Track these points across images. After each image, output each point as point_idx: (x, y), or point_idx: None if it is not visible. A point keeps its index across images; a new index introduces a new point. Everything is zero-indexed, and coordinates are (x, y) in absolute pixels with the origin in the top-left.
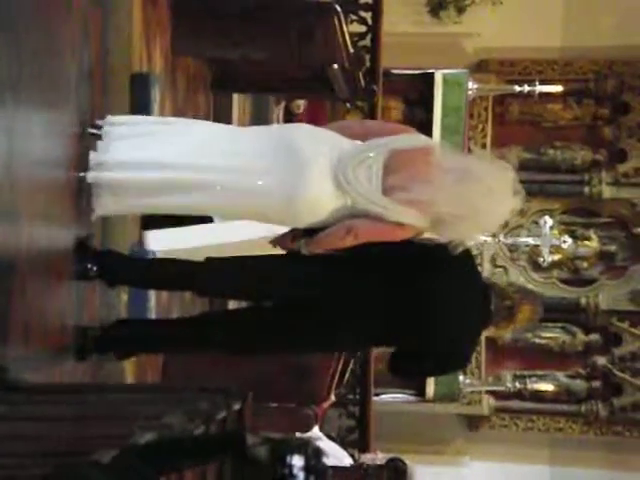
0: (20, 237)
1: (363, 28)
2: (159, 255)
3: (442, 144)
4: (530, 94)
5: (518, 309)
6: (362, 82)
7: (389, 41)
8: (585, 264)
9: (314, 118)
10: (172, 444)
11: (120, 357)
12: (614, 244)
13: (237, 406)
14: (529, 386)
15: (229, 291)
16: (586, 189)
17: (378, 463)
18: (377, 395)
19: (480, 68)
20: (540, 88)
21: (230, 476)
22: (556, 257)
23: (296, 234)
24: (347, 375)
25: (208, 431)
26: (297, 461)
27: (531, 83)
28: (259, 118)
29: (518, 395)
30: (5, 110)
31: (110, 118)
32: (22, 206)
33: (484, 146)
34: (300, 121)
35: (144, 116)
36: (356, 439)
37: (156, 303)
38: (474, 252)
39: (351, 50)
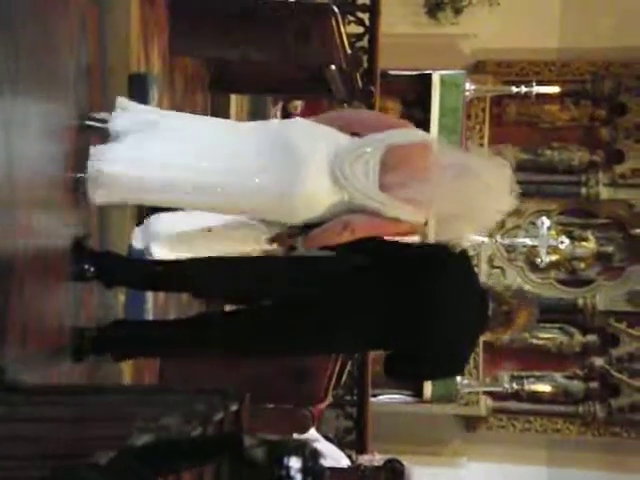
0: (17, 237)
1: (361, 29)
2: (156, 255)
3: (439, 139)
4: (527, 95)
5: (515, 314)
6: (359, 83)
7: (386, 42)
8: (582, 265)
9: None
10: (169, 446)
11: (117, 359)
12: (611, 245)
13: (234, 407)
14: (526, 387)
15: (227, 292)
16: (583, 190)
17: (375, 464)
18: (374, 396)
19: (477, 69)
20: (537, 89)
21: (227, 478)
22: (553, 258)
23: (292, 231)
24: (344, 376)
25: (205, 433)
26: (294, 463)
27: (528, 84)
28: (257, 119)
29: (515, 396)
30: (3, 108)
31: (119, 101)
32: (19, 205)
33: (481, 147)
34: None
35: (149, 107)
36: (353, 440)
37: (153, 304)
38: (471, 253)
39: (348, 51)
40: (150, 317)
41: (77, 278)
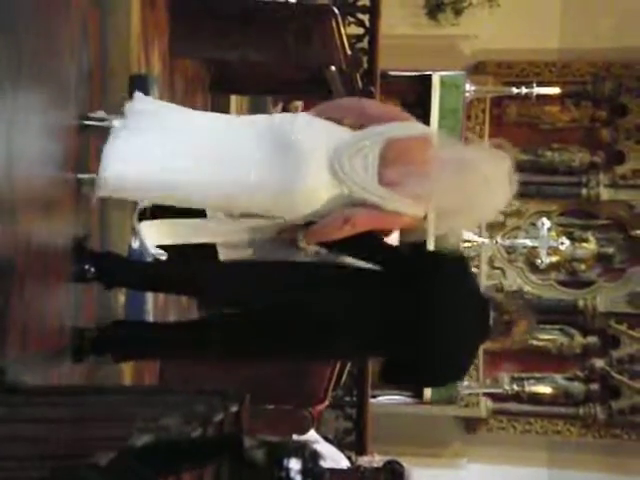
0: (18, 237)
1: (361, 30)
2: (153, 251)
3: (439, 133)
4: (528, 96)
5: (514, 324)
6: (360, 84)
7: (387, 43)
8: (583, 266)
9: None
10: (169, 446)
11: (117, 359)
12: (612, 246)
13: (234, 408)
14: (527, 388)
15: (228, 296)
16: (584, 191)
17: (375, 466)
18: (374, 397)
19: (477, 70)
20: (537, 90)
21: (227, 479)
22: (554, 259)
23: (293, 227)
24: (344, 377)
25: (205, 433)
26: (294, 464)
27: (529, 85)
28: None
29: (516, 397)
30: (4, 108)
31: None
32: (20, 205)
33: (481, 139)
34: None
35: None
36: (353, 441)
37: (153, 305)
38: (472, 253)
39: (349, 52)
40: (150, 318)
41: (78, 279)
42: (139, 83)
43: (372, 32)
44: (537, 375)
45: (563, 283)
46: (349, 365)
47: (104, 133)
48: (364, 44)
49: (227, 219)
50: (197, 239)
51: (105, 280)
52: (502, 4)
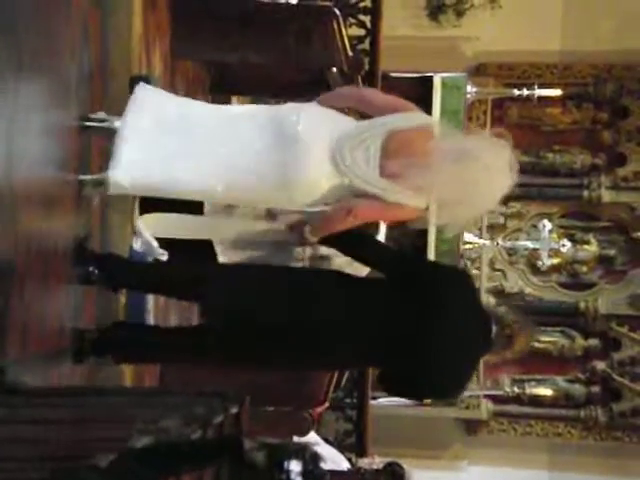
0: (18, 238)
1: (362, 31)
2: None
3: (441, 123)
4: (529, 98)
5: (514, 338)
6: (361, 85)
7: (388, 44)
8: (584, 268)
9: None
10: (169, 448)
11: (117, 361)
12: (613, 248)
13: (234, 410)
14: (528, 391)
15: (229, 304)
16: (585, 193)
17: (375, 467)
18: (374, 399)
19: (479, 72)
20: (539, 92)
21: None
22: (555, 261)
23: (299, 222)
24: (344, 379)
25: (205, 435)
26: (295, 466)
27: (530, 87)
28: None
29: (517, 400)
30: (5, 109)
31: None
32: (20, 206)
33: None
34: None
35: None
36: (353, 443)
37: (154, 306)
38: (473, 255)
39: (350, 53)
40: (151, 319)
41: (82, 281)
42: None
43: (373, 33)
44: (538, 377)
45: (564, 285)
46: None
47: (105, 134)
48: (365, 45)
49: (224, 217)
50: (194, 235)
51: (109, 282)
52: (503, 6)
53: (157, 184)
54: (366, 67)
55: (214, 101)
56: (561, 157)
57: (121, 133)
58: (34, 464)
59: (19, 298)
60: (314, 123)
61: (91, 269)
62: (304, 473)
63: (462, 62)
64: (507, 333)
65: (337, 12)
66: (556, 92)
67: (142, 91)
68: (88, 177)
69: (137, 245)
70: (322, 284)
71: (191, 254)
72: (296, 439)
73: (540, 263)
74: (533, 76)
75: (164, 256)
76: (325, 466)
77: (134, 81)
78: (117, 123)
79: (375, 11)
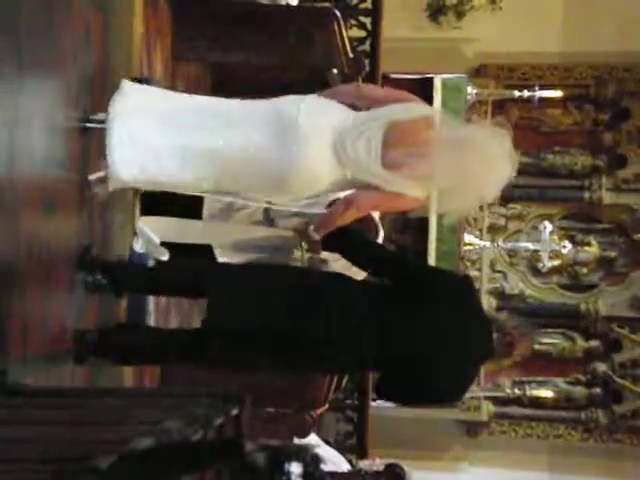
0: (20, 239)
1: (363, 33)
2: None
3: (442, 112)
4: (529, 99)
5: (515, 345)
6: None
7: (388, 46)
8: (585, 270)
9: None
10: (170, 450)
11: (117, 363)
12: (614, 250)
13: (235, 412)
14: (528, 392)
15: (229, 309)
16: (586, 194)
17: (376, 469)
18: (375, 400)
19: (479, 73)
20: (540, 93)
21: None
22: (556, 262)
23: (300, 225)
24: (345, 380)
25: (206, 437)
26: (295, 468)
27: (531, 88)
28: None
29: (517, 401)
30: (6, 110)
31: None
32: (22, 208)
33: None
34: None
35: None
36: (354, 444)
37: (155, 308)
38: (474, 257)
39: (350, 55)
40: (152, 321)
41: (90, 289)
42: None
43: (374, 35)
44: (539, 379)
45: (565, 287)
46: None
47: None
48: (366, 47)
49: (222, 222)
50: (193, 240)
51: (116, 288)
52: (504, 7)
53: (155, 177)
54: (366, 68)
55: None
56: (562, 158)
57: (114, 130)
58: (35, 465)
59: (20, 299)
60: (314, 114)
61: (99, 277)
62: (305, 475)
63: (462, 63)
64: (508, 340)
65: (338, 13)
66: (557, 93)
67: (132, 90)
68: (95, 176)
69: (138, 246)
70: (322, 286)
71: (191, 256)
72: (296, 440)
73: (541, 265)
74: (534, 77)
75: (165, 256)
76: (325, 468)
77: (135, 82)
78: (107, 118)
79: (375, 12)
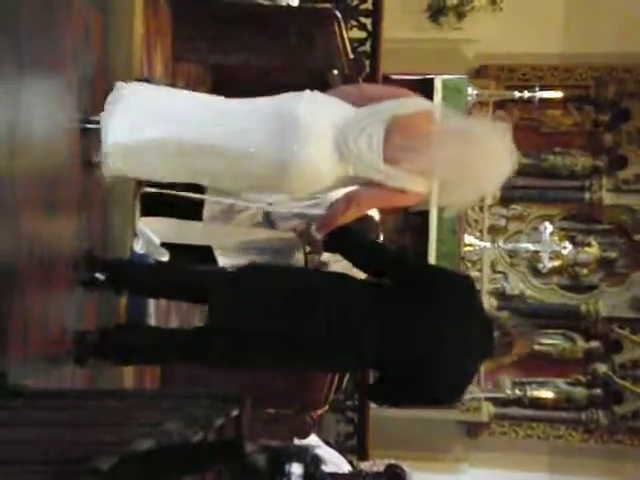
0: (21, 240)
1: (363, 34)
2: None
3: (443, 106)
4: (530, 100)
5: (514, 344)
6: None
7: (389, 47)
8: (585, 270)
9: None
10: (171, 451)
11: (117, 363)
12: (614, 251)
13: (235, 413)
14: (529, 393)
15: (232, 304)
16: (586, 195)
17: (376, 470)
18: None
19: (480, 74)
20: (540, 94)
21: None
22: (556, 263)
23: (304, 227)
24: (345, 381)
25: (206, 438)
26: (296, 469)
27: (531, 89)
28: None
29: (518, 402)
30: (6, 111)
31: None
32: (22, 208)
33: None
34: None
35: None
36: (354, 445)
37: (155, 308)
38: (474, 257)
39: (351, 56)
40: (152, 321)
41: (87, 286)
42: None
43: (374, 36)
44: (539, 380)
45: (565, 287)
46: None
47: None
48: (366, 48)
49: (223, 224)
50: (193, 241)
51: (114, 287)
52: (505, 8)
53: (150, 165)
54: (367, 69)
55: None
56: (562, 159)
57: (112, 119)
58: (35, 467)
59: (21, 301)
60: (315, 111)
61: (97, 275)
62: (305, 475)
63: (463, 64)
64: (507, 340)
65: (338, 14)
66: (557, 94)
67: (131, 89)
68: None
69: (138, 247)
70: (322, 285)
71: (191, 257)
72: (297, 442)
73: (541, 265)
74: (534, 78)
75: (165, 256)
76: (326, 469)
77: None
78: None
79: (376, 13)
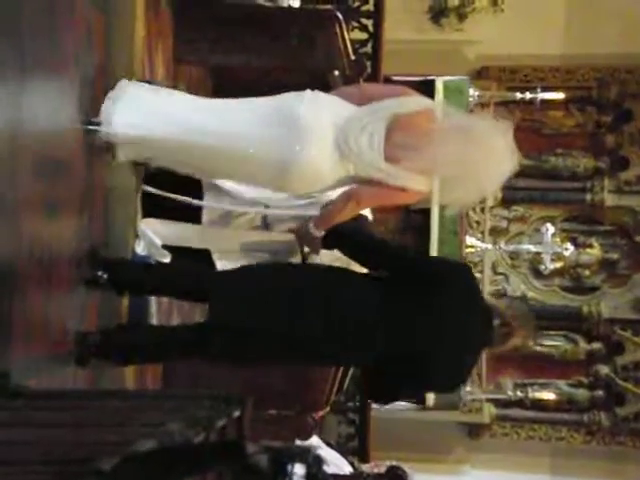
0: (22, 241)
1: (364, 35)
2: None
3: (444, 104)
4: (531, 101)
5: (513, 334)
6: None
7: (390, 48)
8: (587, 272)
9: None
10: (172, 452)
11: (119, 364)
12: (616, 252)
13: (237, 414)
14: (530, 394)
15: (232, 300)
16: (588, 196)
17: (377, 471)
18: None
19: (481, 75)
20: (542, 95)
21: None
22: (558, 265)
23: (302, 226)
24: (346, 382)
25: (208, 439)
26: (298, 469)
27: (533, 90)
28: None
29: (519, 403)
30: (8, 112)
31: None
32: (23, 209)
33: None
34: None
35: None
36: (355, 447)
37: (157, 308)
38: (476, 259)
39: (352, 57)
40: (154, 321)
41: (89, 284)
42: None
43: (376, 37)
44: (541, 381)
45: (567, 289)
46: (351, 371)
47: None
48: (368, 49)
49: (221, 227)
50: (193, 244)
51: (116, 285)
52: (506, 9)
53: (157, 141)
54: (368, 71)
55: None
56: (564, 160)
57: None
58: (37, 467)
59: (22, 302)
60: (316, 110)
61: (99, 273)
62: (308, 476)
63: (464, 65)
64: (506, 330)
65: (339, 16)
66: (559, 95)
67: (134, 88)
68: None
69: (139, 248)
70: (322, 281)
71: (191, 259)
72: (298, 442)
73: (543, 267)
74: (536, 79)
75: (167, 258)
76: (328, 469)
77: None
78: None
79: (377, 15)
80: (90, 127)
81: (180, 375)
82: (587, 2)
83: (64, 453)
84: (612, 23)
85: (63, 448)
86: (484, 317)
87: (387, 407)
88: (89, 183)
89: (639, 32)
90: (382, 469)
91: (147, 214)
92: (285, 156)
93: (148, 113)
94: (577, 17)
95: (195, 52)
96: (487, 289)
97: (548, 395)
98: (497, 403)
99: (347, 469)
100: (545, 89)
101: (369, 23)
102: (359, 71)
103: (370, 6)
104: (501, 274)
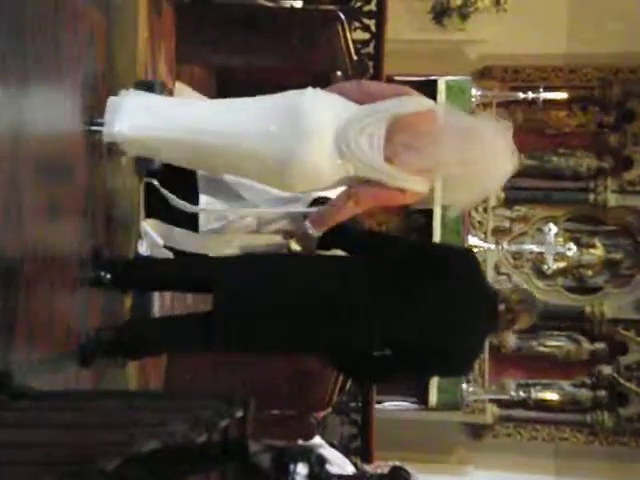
0: (25, 241)
1: (367, 35)
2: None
3: (445, 104)
4: (534, 101)
5: (517, 318)
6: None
7: (392, 48)
8: (590, 272)
9: None
10: (175, 452)
11: (126, 359)
12: (619, 252)
13: (240, 414)
14: (533, 395)
15: (238, 287)
16: (591, 196)
17: (380, 472)
18: (379, 403)
19: (484, 75)
20: (544, 95)
21: None
22: (561, 265)
23: (299, 226)
24: (349, 382)
25: (211, 439)
26: (301, 469)
27: (535, 90)
28: None
29: (522, 404)
30: (11, 114)
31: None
32: (27, 210)
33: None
34: None
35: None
36: (358, 447)
37: (160, 307)
38: (478, 259)
39: (354, 57)
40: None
41: (93, 284)
42: (145, 89)
43: (378, 37)
44: (544, 381)
45: (570, 289)
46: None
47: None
48: (370, 49)
49: (218, 234)
50: (192, 249)
51: (120, 285)
52: (509, 9)
53: (160, 135)
54: (371, 71)
55: None
56: (567, 160)
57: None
58: (40, 468)
59: (25, 301)
60: (319, 106)
61: (102, 273)
62: (310, 476)
63: (467, 65)
64: (511, 317)
65: (342, 16)
66: (562, 95)
67: (137, 90)
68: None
69: (142, 248)
70: (330, 270)
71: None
72: (301, 442)
73: (546, 267)
74: (538, 79)
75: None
76: (331, 469)
77: (139, 86)
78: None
79: (380, 15)
80: (93, 128)
81: (182, 378)
82: (590, 2)
83: (67, 453)
84: (615, 23)
85: (66, 448)
86: (489, 302)
87: (390, 407)
88: (92, 184)
89: None
90: (385, 469)
91: (150, 214)
92: (287, 153)
93: (152, 114)
94: (580, 17)
95: (198, 53)
96: None
97: (551, 395)
98: (500, 403)
99: (350, 469)
100: (548, 89)
101: (371, 23)
102: (361, 71)
103: (372, 6)
104: (504, 274)
